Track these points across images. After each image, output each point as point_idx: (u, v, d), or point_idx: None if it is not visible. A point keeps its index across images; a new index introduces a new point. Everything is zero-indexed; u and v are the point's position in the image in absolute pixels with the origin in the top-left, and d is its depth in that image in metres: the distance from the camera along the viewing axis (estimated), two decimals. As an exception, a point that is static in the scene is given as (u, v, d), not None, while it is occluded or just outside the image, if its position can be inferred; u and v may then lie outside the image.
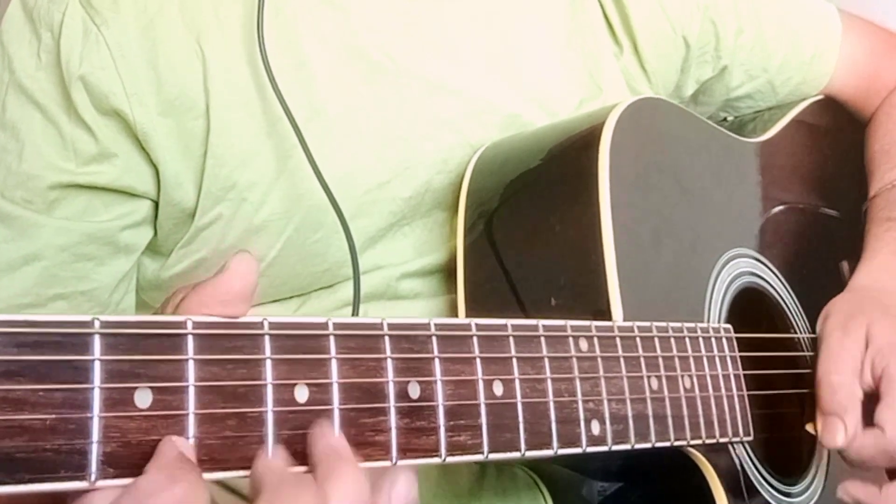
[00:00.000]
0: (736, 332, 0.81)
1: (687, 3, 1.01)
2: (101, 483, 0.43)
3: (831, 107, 1.13)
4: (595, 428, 0.65)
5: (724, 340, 0.79)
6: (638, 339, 0.70)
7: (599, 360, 0.67)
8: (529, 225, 0.81)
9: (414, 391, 0.55)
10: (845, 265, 1.02)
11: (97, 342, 0.44)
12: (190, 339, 0.47)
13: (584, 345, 0.66)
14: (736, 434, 0.77)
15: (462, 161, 0.88)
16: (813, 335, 0.91)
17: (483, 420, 0.58)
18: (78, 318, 0.44)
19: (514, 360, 0.61)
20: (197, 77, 0.80)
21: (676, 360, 0.73)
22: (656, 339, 0.72)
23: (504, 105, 0.90)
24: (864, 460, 0.81)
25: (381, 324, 0.55)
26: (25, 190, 0.79)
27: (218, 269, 0.52)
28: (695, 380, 0.74)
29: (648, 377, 0.70)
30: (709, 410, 0.75)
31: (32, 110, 0.79)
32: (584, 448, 0.64)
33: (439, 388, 0.57)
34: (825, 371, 0.83)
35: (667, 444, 0.71)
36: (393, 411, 0.54)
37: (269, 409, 0.49)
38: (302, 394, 0.51)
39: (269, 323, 0.50)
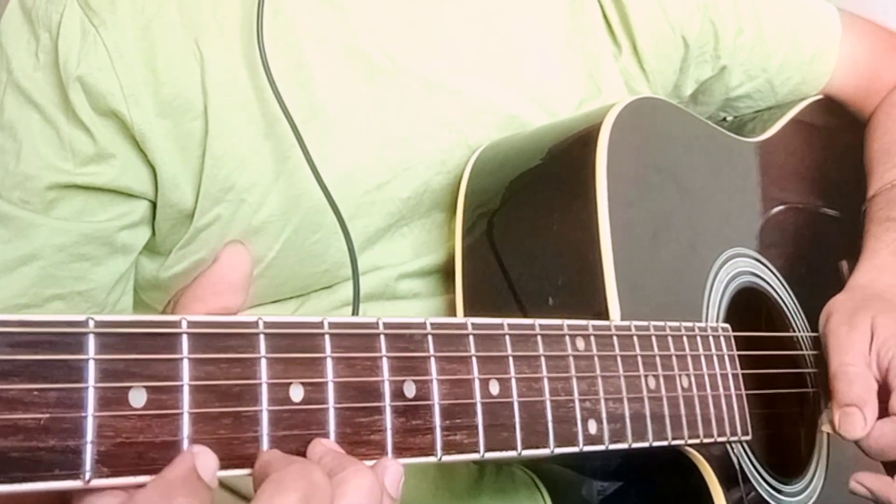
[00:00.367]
0: (734, 331, 0.81)
1: (687, 4, 1.01)
2: (95, 482, 0.43)
3: (831, 106, 1.13)
4: (592, 427, 0.65)
5: (723, 339, 0.79)
6: (635, 338, 0.70)
7: (596, 359, 0.67)
8: (527, 224, 0.81)
9: (409, 390, 0.55)
10: (844, 265, 1.02)
11: (91, 341, 0.44)
12: (184, 338, 0.47)
13: (580, 344, 0.66)
14: (734, 433, 0.77)
15: (461, 161, 0.88)
16: (812, 334, 0.91)
17: (479, 419, 0.58)
18: (72, 317, 0.44)
19: (511, 360, 0.61)
20: (195, 78, 0.80)
21: (674, 358, 0.73)
22: (653, 338, 0.72)
23: (503, 105, 0.90)
24: (884, 449, 0.81)
25: (377, 323, 0.55)
26: (23, 190, 0.80)
27: (212, 261, 0.53)
28: (693, 379, 0.74)
29: (646, 376, 0.70)
30: (707, 410, 0.75)
31: (30, 110, 0.79)
32: (581, 447, 0.64)
33: (435, 387, 0.57)
34: (840, 363, 0.83)
35: (664, 443, 0.71)
36: (388, 410, 0.54)
37: (265, 408, 0.49)
38: (297, 393, 0.51)
39: (264, 322, 0.50)
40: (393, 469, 0.51)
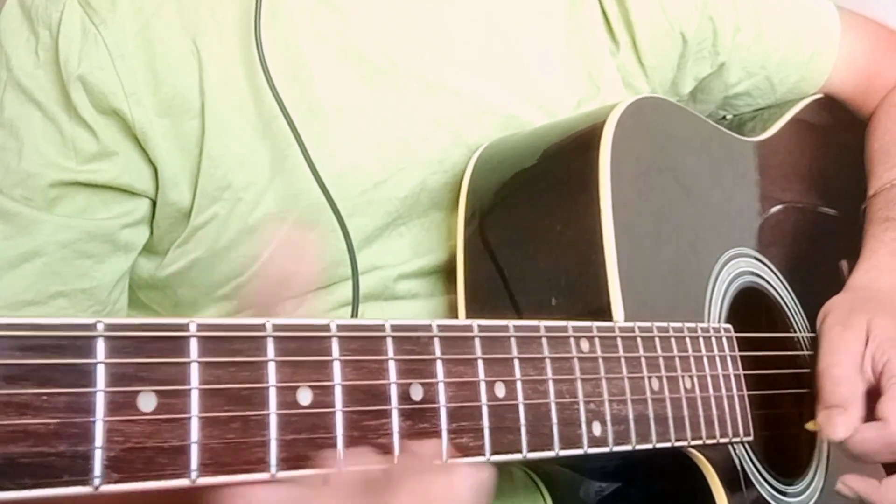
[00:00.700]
0: (736, 331, 0.81)
1: (686, 1, 1.01)
2: (104, 488, 0.43)
3: (831, 106, 1.13)
4: (596, 429, 0.65)
5: (725, 340, 0.79)
6: (639, 340, 0.70)
7: (601, 360, 0.67)
8: (530, 224, 0.81)
9: (416, 393, 0.55)
10: (844, 264, 1.02)
11: (101, 345, 0.44)
12: (193, 341, 0.47)
13: (585, 345, 0.66)
14: (736, 434, 0.77)
15: (459, 161, 0.87)
16: (812, 334, 0.91)
17: (485, 422, 0.58)
18: (81, 321, 0.44)
19: (516, 362, 0.61)
20: (193, 77, 0.80)
21: (677, 360, 0.73)
22: (657, 340, 0.72)
23: (502, 105, 0.90)
24: (867, 453, 0.81)
25: (384, 325, 0.55)
26: (25, 188, 0.79)
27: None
28: (695, 380, 0.74)
29: (649, 377, 0.70)
30: (709, 411, 0.75)
31: (31, 108, 0.79)
32: (586, 449, 0.64)
33: (441, 389, 0.56)
34: (826, 364, 0.84)
35: (668, 444, 0.71)
36: (396, 413, 0.54)
37: (273, 411, 0.49)
38: (305, 396, 0.51)
39: (272, 325, 0.50)
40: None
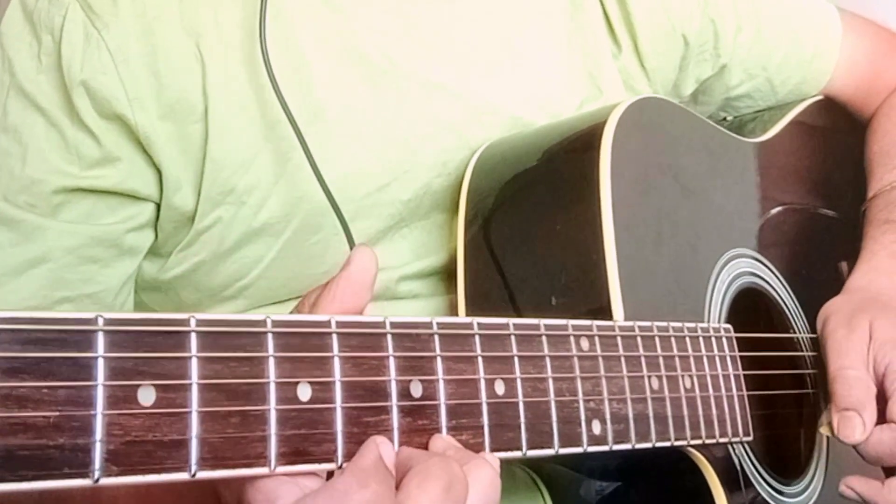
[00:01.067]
0: (736, 331, 0.81)
1: (687, 2, 1.01)
2: (104, 481, 0.43)
3: (831, 107, 1.13)
4: (596, 428, 0.65)
5: (725, 340, 0.79)
6: (639, 339, 0.70)
7: (600, 359, 0.67)
8: (530, 224, 0.81)
9: (416, 390, 0.55)
10: (844, 266, 1.02)
11: (101, 339, 0.44)
12: (193, 336, 0.47)
13: (585, 344, 0.66)
14: (736, 434, 0.77)
15: (461, 163, 0.88)
16: (812, 335, 0.91)
17: (485, 419, 0.58)
18: (82, 315, 0.44)
19: (516, 360, 0.61)
20: (196, 80, 0.80)
21: (677, 359, 0.73)
22: (657, 339, 0.72)
23: (504, 107, 0.90)
24: (882, 456, 0.81)
25: (384, 322, 0.55)
26: (29, 194, 0.79)
27: (344, 264, 0.59)
28: (695, 380, 0.74)
29: (649, 377, 0.70)
30: (709, 410, 0.75)
31: (34, 114, 0.79)
32: (585, 448, 0.64)
33: (441, 386, 0.57)
34: (839, 367, 0.83)
35: (667, 444, 0.71)
36: (395, 410, 0.54)
37: (272, 407, 0.49)
38: (304, 392, 0.51)
39: (272, 321, 0.50)
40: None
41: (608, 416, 0.66)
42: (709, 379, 0.76)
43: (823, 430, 0.83)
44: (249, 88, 0.81)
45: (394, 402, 0.54)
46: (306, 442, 0.50)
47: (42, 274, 0.80)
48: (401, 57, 0.87)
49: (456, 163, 0.88)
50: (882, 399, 0.82)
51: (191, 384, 0.47)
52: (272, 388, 0.49)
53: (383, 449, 0.51)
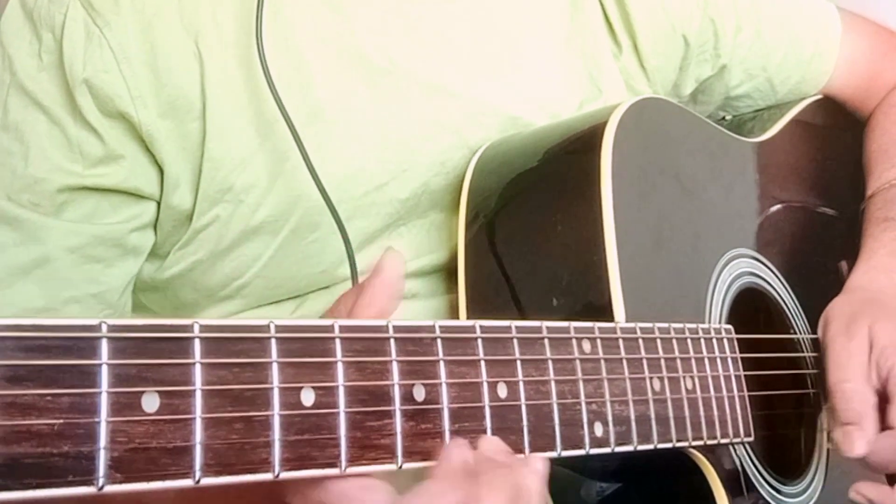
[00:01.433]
0: (736, 332, 0.81)
1: (687, 2, 1.01)
2: (108, 489, 0.43)
3: (830, 107, 1.13)
4: (598, 430, 0.65)
5: (725, 341, 0.79)
6: (640, 341, 0.70)
7: (602, 361, 0.67)
8: (531, 224, 0.81)
9: (419, 394, 0.55)
10: (844, 265, 1.02)
11: (104, 346, 0.44)
12: (197, 342, 0.47)
13: (587, 346, 0.66)
14: (737, 435, 0.77)
15: (460, 163, 0.87)
16: (813, 335, 0.91)
17: (488, 422, 0.58)
18: (85, 322, 0.44)
19: (518, 363, 0.61)
20: (194, 78, 0.80)
21: (678, 361, 0.73)
22: (658, 341, 0.72)
23: (504, 107, 0.90)
24: (884, 464, 0.81)
25: (387, 326, 0.55)
26: (32, 193, 0.79)
27: (375, 269, 0.60)
28: (696, 381, 0.74)
29: (651, 378, 0.70)
30: (710, 411, 0.75)
31: (36, 112, 0.79)
32: (588, 450, 0.64)
33: (444, 390, 0.57)
34: (837, 380, 0.83)
35: (669, 445, 0.71)
36: (398, 414, 0.54)
37: (276, 412, 0.49)
38: (308, 397, 0.51)
39: (276, 326, 0.50)
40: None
41: (610, 418, 0.66)
42: (710, 380, 0.76)
43: (830, 446, 0.83)
44: (247, 87, 0.81)
45: (397, 406, 0.54)
46: (310, 447, 0.50)
47: (47, 274, 0.80)
48: (400, 57, 0.86)
49: (455, 162, 0.88)
50: (885, 404, 0.82)
51: (194, 390, 0.47)
52: (276, 393, 0.49)
53: (466, 451, 0.55)
